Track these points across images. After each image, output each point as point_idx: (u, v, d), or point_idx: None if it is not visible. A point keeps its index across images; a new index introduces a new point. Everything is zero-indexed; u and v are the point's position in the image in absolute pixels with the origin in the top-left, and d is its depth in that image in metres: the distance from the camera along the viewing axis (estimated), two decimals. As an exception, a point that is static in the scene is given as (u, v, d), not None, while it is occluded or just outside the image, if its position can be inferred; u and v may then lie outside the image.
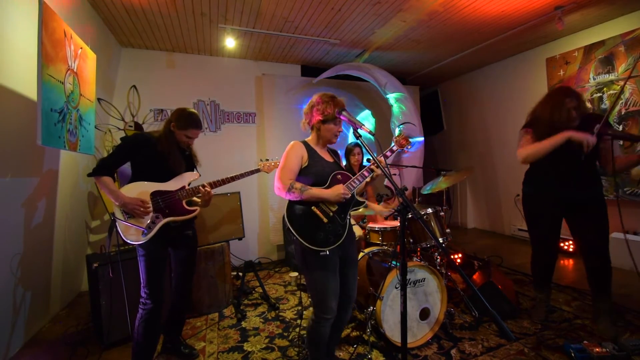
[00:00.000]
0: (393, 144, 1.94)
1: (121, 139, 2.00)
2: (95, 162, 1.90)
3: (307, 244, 1.63)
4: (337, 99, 1.80)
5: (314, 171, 1.75)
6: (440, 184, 2.72)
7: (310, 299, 1.80)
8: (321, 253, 1.65)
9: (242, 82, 4.48)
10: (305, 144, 1.83)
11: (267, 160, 2.45)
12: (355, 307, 2.53)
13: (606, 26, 3.72)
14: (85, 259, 2.60)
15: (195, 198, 2.12)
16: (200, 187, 2.04)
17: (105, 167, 1.86)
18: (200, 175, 2.16)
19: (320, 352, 1.83)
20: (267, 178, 4.40)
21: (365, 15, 3.31)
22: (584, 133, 2.08)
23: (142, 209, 1.86)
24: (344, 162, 3.10)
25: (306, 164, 1.76)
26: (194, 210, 2.06)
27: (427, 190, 2.83)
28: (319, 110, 1.76)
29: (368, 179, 1.81)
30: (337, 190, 1.67)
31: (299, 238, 1.64)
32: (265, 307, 2.98)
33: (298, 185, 1.67)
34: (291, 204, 1.71)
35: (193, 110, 2.08)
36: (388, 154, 1.90)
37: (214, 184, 2.11)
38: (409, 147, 1.95)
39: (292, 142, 1.80)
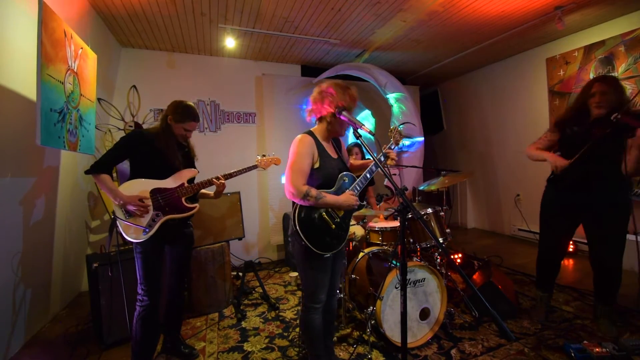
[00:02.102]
0: (390, 143, 1.88)
1: (120, 138, 2.00)
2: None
3: (313, 248, 1.63)
4: (350, 90, 1.71)
5: (324, 173, 1.71)
6: (437, 184, 2.72)
7: (302, 290, 1.82)
8: (325, 256, 1.68)
9: (242, 82, 4.48)
10: (314, 137, 1.73)
11: (264, 156, 2.45)
12: (356, 307, 2.53)
13: (606, 26, 3.72)
14: (85, 259, 2.59)
15: (206, 191, 2.17)
16: (214, 179, 2.10)
17: (103, 165, 1.85)
18: (198, 172, 2.17)
19: (318, 346, 1.84)
20: (268, 178, 4.41)
21: (365, 15, 3.31)
22: (559, 159, 2.21)
23: (142, 208, 1.86)
24: None
25: (317, 164, 1.70)
26: (194, 208, 2.06)
27: (423, 186, 2.85)
28: (332, 101, 1.67)
29: (393, 161, 1.77)
30: (350, 199, 1.67)
31: (307, 242, 1.62)
32: (265, 307, 2.98)
33: (314, 192, 1.61)
34: (302, 207, 1.67)
35: (190, 102, 2.06)
36: (387, 151, 1.84)
37: (227, 176, 2.18)
38: (411, 137, 1.89)
39: (300, 137, 1.70)
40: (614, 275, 2.24)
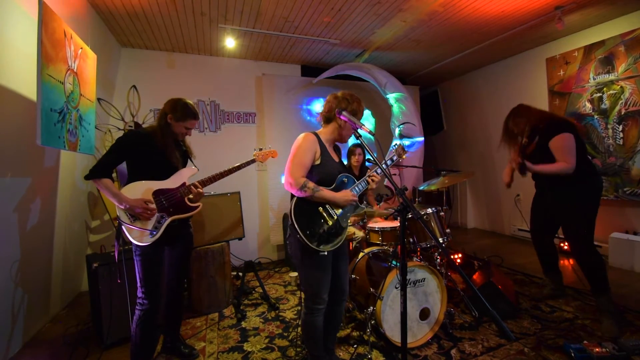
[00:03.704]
0: (393, 154, 2.02)
1: (117, 139, 1.97)
2: (95, 162, 1.88)
3: (308, 243, 1.64)
4: (362, 103, 1.83)
5: (324, 170, 1.74)
6: (437, 184, 2.73)
7: (303, 292, 1.82)
8: (320, 253, 1.67)
9: (242, 82, 4.48)
10: (318, 138, 1.78)
11: (261, 149, 2.44)
12: (356, 307, 2.53)
13: (606, 26, 3.72)
14: (85, 259, 2.60)
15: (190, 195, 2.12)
16: (192, 188, 2.01)
17: (102, 169, 1.80)
18: (198, 170, 2.14)
19: (318, 347, 1.83)
20: (267, 178, 4.41)
21: (365, 15, 3.31)
22: (513, 158, 2.60)
23: (148, 212, 1.84)
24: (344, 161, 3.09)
25: (318, 161, 1.74)
26: (198, 207, 2.05)
27: (423, 186, 2.87)
28: (349, 109, 1.75)
29: (373, 185, 1.82)
30: (347, 196, 1.70)
31: (302, 235, 1.63)
32: (265, 307, 2.98)
33: (311, 185, 1.66)
34: (299, 200, 1.70)
35: (188, 100, 2.02)
36: (389, 162, 1.96)
37: (207, 181, 2.08)
38: (405, 142, 2.03)
39: (304, 134, 1.75)
40: (592, 262, 2.39)
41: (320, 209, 1.70)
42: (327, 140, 1.83)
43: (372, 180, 1.80)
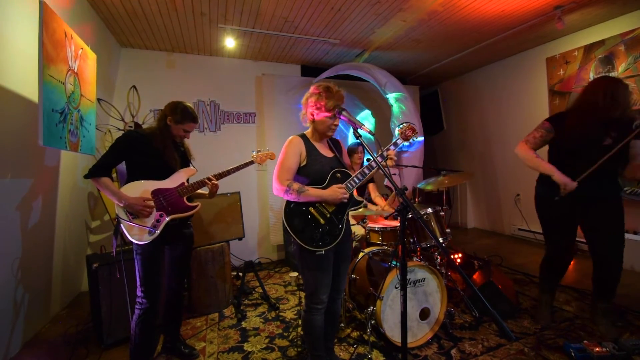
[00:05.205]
0: (397, 137, 1.79)
1: (116, 139, 1.98)
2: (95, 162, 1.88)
3: (303, 244, 1.65)
4: (332, 89, 1.72)
5: (312, 170, 1.73)
6: (436, 184, 2.72)
7: (304, 290, 1.83)
8: (317, 253, 1.67)
9: (242, 82, 4.48)
10: (304, 138, 1.80)
11: (259, 151, 2.45)
12: (356, 307, 2.53)
13: (606, 26, 3.72)
14: (85, 259, 2.60)
15: (201, 191, 2.14)
16: (206, 180, 2.08)
17: (101, 168, 1.83)
18: (197, 171, 2.16)
19: (318, 346, 1.84)
20: (267, 178, 4.41)
21: (365, 15, 3.31)
22: (568, 181, 2.12)
23: (148, 209, 1.86)
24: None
25: (305, 162, 1.74)
26: (196, 206, 2.07)
27: (421, 184, 2.85)
28: (313, 101, 1.73)
29: (391, 162, 1.73)
30: (336, 192, 1.65)
31: (296, 238, 1.66)
32: (265, 307, 2.98)
33: (296, 186, 1.66)
34: (289, 203, 1.71)
35: (188, 103, 2.05)
36: (392, 148, 1.78)
37: (218, 176, 2.15)
38: (416, 137, 1.78)
39: (290, 138, 1.77)
40: (616, 270, 2.26)
41: (311, 209, 1.68)
42: (315, 139, 1.82)
43: (372, 167, 1.71)
